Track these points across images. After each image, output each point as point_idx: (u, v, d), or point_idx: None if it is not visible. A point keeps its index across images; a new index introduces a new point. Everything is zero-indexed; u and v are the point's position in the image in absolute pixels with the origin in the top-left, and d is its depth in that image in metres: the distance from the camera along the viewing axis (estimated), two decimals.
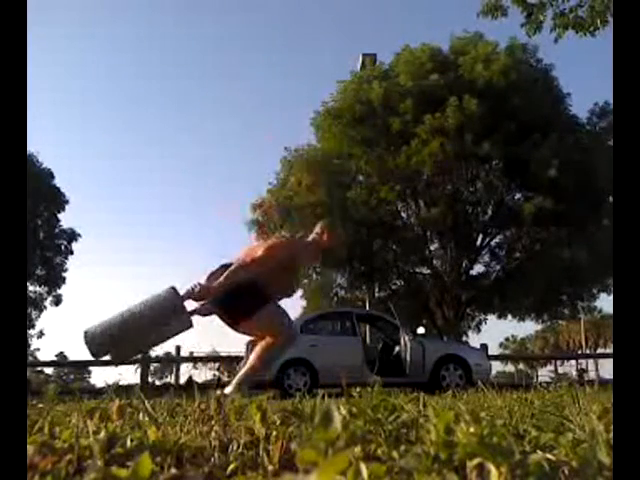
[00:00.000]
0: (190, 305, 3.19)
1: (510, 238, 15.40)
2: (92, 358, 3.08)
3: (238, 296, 3.16)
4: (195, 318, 3.20)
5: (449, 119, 13.23)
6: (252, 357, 3.21)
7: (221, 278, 3.13)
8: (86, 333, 2.99)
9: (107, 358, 3.18)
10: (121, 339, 3.01)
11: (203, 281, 3.25)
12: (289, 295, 3.59)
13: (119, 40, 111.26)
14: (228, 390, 2.98)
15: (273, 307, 3.30)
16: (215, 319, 3.30)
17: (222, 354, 13.76)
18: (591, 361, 34.65)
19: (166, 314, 3.06)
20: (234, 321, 3.28)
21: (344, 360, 8.36)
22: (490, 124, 13.42)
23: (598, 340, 41.12)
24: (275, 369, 8.24)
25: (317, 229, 3.61)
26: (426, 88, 13.98)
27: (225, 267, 3.29)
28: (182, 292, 3.14)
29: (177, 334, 3.15)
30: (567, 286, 14.66)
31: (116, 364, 3.18)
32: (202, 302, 3.21)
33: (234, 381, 3.15)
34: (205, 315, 3.27)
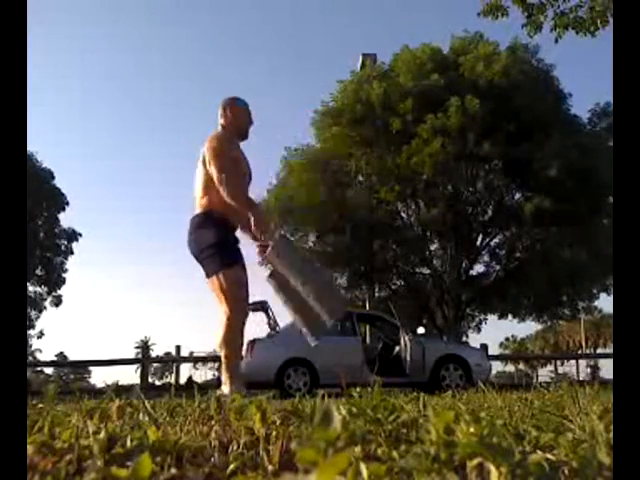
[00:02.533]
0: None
1: (510, 238, 15.40)
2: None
3: (216, 244, 3.08)
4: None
5: (451, 119, 13.22)
6: (218, 349, 3.11)
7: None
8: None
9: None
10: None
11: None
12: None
13: (119, 40, 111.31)
14: (225, 390, 2.96)
15: (240, 271, 3.14)
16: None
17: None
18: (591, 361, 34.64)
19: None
20: (206, 272, 3.15)
21: (344, 360, 8.35)
22: (491, 124, 13.42)
23: (598, 340, 41.12)
24: (275, 369, 8.24)
25: (219, 113, 3.37)
26: (426, 88, 13.98)
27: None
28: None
29: None
30: (567, 286, 14.66)
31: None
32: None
33: (224, 379, 3.10)
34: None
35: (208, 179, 3.18)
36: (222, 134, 3.33)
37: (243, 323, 3.16)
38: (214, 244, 3.09)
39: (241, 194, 3.16)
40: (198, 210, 3.21)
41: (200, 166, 3.24)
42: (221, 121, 3.38)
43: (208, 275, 3.13)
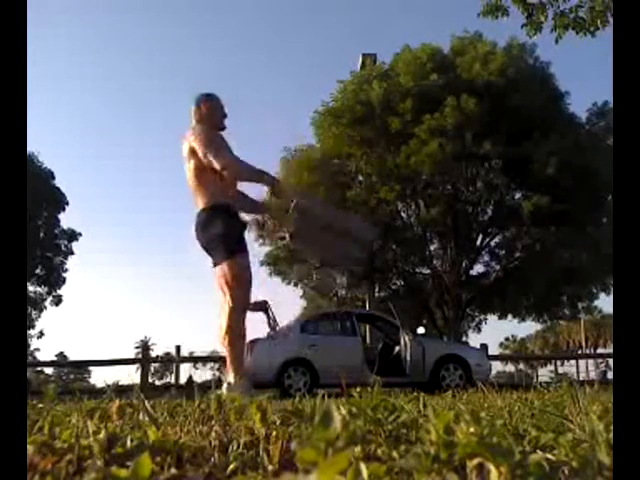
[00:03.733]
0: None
1: (510, 238, 15.40)
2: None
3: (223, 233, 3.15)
4: None
5: (448, 119, 13.22)
6: (221, 341, 3.12)
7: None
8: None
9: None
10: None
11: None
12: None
13: (119, 40, 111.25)
14: (230, 380, 2.99)
15: (244, 258, 3.21)
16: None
17: (222, 354, 13.74)
18: (591, 361, 34.65)
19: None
20: (213, 262, 3.21)
21: (344, 360, 8.35)
22: (489, 123, 13.41)
23: (598, 340, 41.15)
24: (275, 369, 8.24)
25: (192, 111, 3.43)
26: (426, 88, 13.98)
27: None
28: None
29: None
30: (567, 286, 14.66)
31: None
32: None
33: (229, 371, 3.11)
34: None
35: (200, 172, 3.21)
36: (201, 126, 3.36)
37: (245, 311, 3.18)
38: (220, 235, 3.15)
39: (242, 163, 3.21)
40: (201, 206, 3.23)
41: (189, 162, 3.25)
42: (196, 117, 3.43)
43: (215, 265, 3.20)
